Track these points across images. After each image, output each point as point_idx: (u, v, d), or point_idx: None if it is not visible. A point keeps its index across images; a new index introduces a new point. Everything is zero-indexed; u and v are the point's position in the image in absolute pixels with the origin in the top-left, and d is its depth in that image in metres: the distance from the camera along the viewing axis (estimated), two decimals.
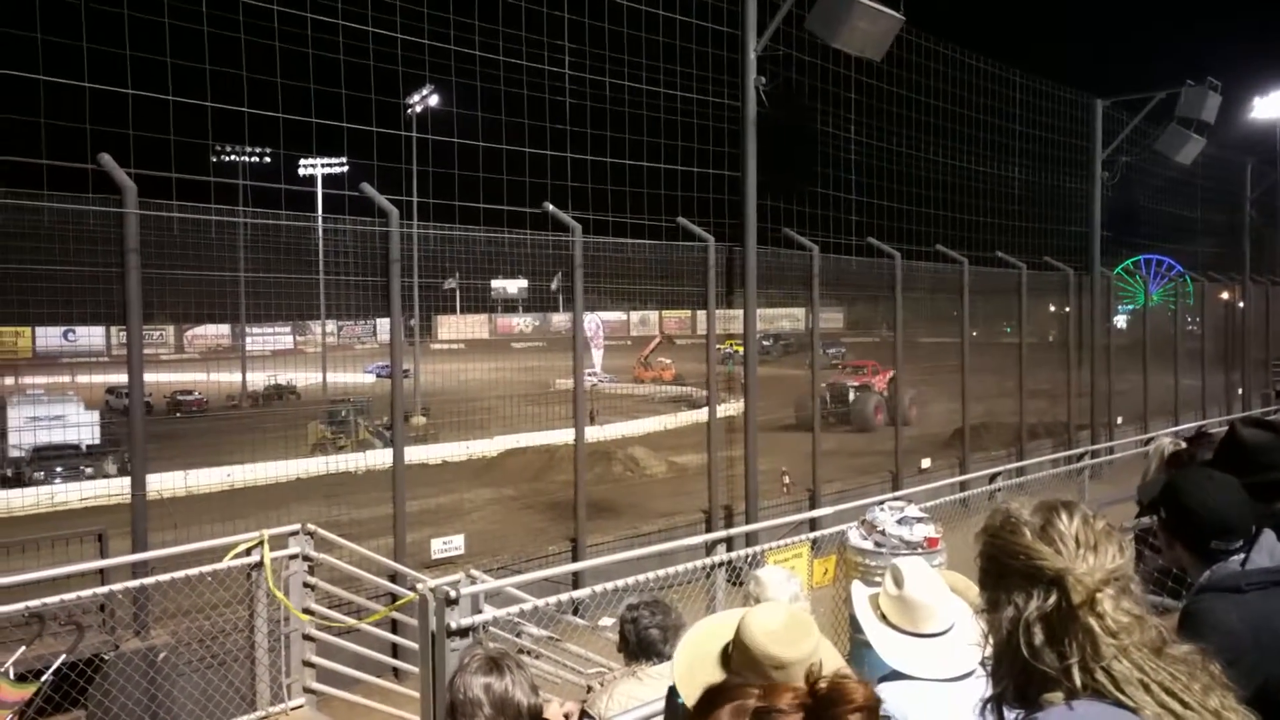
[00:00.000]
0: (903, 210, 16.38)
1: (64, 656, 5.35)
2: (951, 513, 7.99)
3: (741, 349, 14.88)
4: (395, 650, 7.73)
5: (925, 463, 15.59)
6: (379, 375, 28.65)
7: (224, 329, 40.65)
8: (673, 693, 2.31)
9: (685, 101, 13.50)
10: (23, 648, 5.21)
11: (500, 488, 18.09)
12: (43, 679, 5.01)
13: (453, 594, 4.89)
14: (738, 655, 2.15)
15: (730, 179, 13.16)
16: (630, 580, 5.55)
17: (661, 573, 5.45)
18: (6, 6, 9.39)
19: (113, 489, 19.09)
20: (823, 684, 1.38)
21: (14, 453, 22.25)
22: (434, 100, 22.73)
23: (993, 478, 11.88)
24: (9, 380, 33.71)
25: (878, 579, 2.92)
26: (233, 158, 33.34)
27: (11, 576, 6.66)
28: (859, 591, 2.76)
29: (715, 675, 2.15)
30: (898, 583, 2.61)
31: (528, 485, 18.09)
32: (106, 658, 7.28)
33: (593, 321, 29.97)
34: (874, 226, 15.45)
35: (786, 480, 14.40)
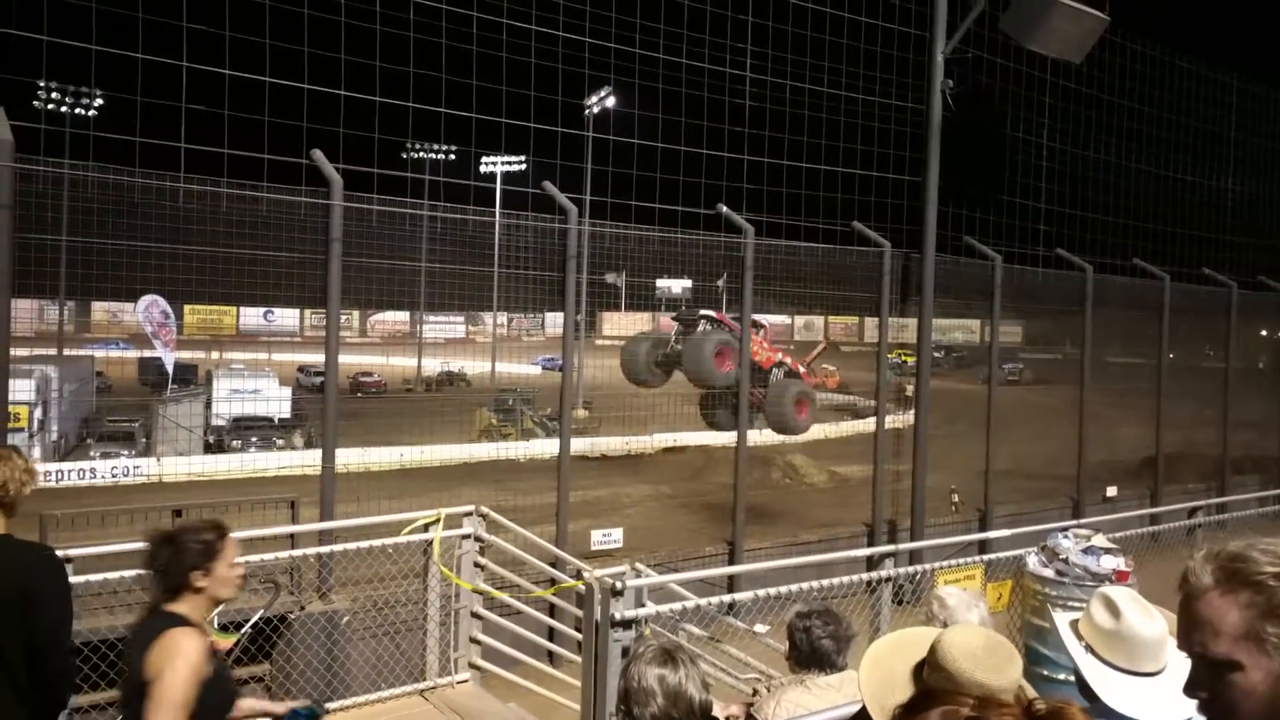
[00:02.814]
0: (1096, 221, 15.40)
1: (261, 612, 5.78)
2: (1141, 547, 7.45)
3: (912, 359, 14.42)
4: (551, 634, 7.93)
5: (1110, 491, 14.63)
6: (545, 368, 29.54)
7: (404, 316, 43.07)
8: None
9: (866, 104, 13.20)
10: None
11: (657, 485, 18.27)
12: (242, 630, 5.43)
13: (618, 585, 4.96)
14: (933, 676, 2.07)
15: (909, 184, 12.77)
16: (794, 588, 5.47)
17: (825, 583, 5.34)
18: (240, 14, 10.22)
19: (302, 460, 20.55)
20: (1040, 705, 1.31)
21: (216, 421, 24.28)
22: (611, 101, 23.18)
23: (1191, 512, 10.98)
24: (215, 355, 36.86)
25: (1074, 607, 2.75)
26: (419, 154, 35.21)
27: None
28: (1062, 621, 2.59)
29: (907, 694, 2.07)
30: (1113, 614, 2.42)
31: (684, 484, 18.18)
32: (292, 617, 7.81)
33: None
34: (1063, 237, 14.61)
35: (956, 499, 13.85)
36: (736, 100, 12.57)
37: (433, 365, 34.58)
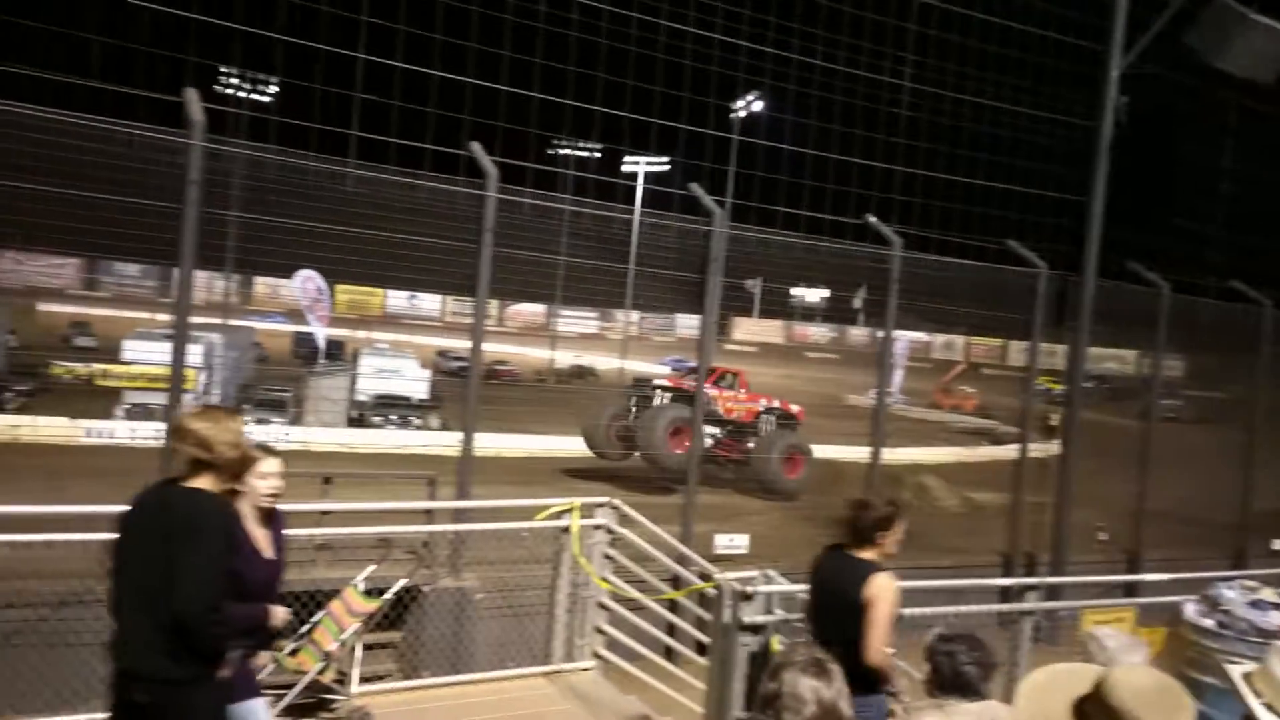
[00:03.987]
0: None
1: (403, 581, 6.03)
2: None
3: (1059, 386, 13.75)
4: (671, 630, 7.96)
5: (1278, 543, 13.58)
6: (675, 368, 29.68)
7: (539, 308, 44.12)
8: None
9: (1029, 119, 12.71)
10: (372, 566, 5.94)
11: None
12: (384, 596, 5.68)
13: (748, 590, 4.95)
14: (1097, 713, 1.99)
15: (1070, 203, 12.21)
16: (927, 610, 5.33)
17: (964, 609, 5.17)
18: (414, 8, 10.69)
19: (436, 440, 21.31)
20: None
21: (360, 397, 25.43)
22: (759, 105, 23.06)
23: None
24: (361, 334, 38.65)
25: (1234, 663, 2.58)
26: (566, 150, 36.01)
27: (363, 504, 7.66)
28: (1235, 673, 2.44)
29: None
30: None
31: (809, 497, 17.92)
32: (425, 590, 8.11)
33: (901, 341, 28.58)
34: (1241, 269, 13.66)
35: (1102, 536, 13.14)
36: (892, 109, 12.32)
37: (565, 358, 35.22)
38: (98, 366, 26.80)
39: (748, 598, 4.87)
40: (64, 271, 51.76)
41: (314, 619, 5.60)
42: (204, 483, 3.44)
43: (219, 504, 3.46)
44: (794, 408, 20.39)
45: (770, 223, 11.68)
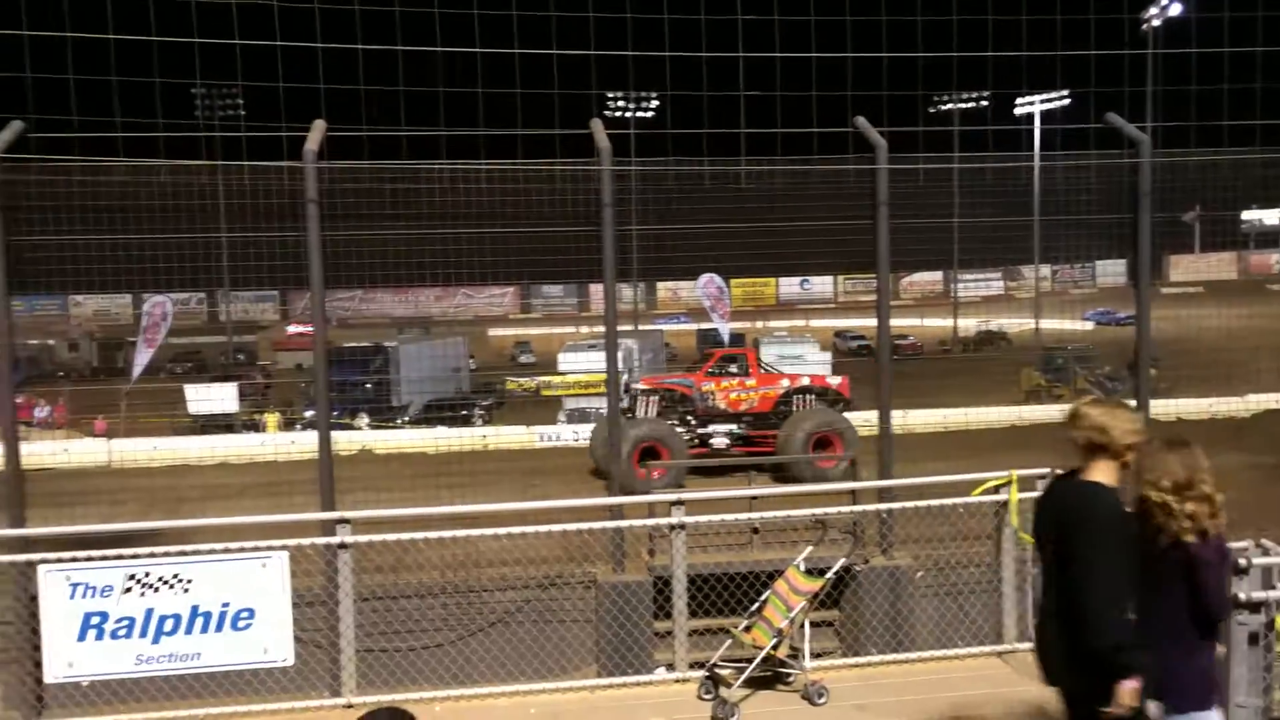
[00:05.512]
0: None
1: (842, 560, 6.12)
2: None
3: None
4: None
5: None
6: (1100, 322, 26.87)
7: (936, 276, 42.38)
8: None
9: None
10: (810, 547, 6.11)
11: (1256, 454, 15.55)
12: (826, 576, 5.80)
13: (1242, 563, 4.34)
14: None
15: None
16: None
17: None
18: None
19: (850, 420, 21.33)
20: None
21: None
22: (1176, 9, 20.11)
23: None
24: (758, 324, 39.94)
25: None
26: (949, 106, 34.18)
27: (790, 488, 7.90)
28: None
29: None
30: None
31: None
32: (858, 569, 8.15)
33: None
34: None
35: None
36: None
37: (970, 325, 33.46)
38: (540, 379, 30.63)
39: (1243, 571, 4.26)
40: (504, 300, 59.91)
41: (761, 598, 5.88)
42: (1101, 472, 3.40)
43: (1110, 498, 3.37)
44: (833, 381, 17.18)
45: (1213, 142, 10.04)
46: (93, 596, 5.32)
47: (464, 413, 25.82)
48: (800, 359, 26.87)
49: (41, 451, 19.32)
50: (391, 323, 43.19)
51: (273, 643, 5.48)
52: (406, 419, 25.59)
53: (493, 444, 22.80)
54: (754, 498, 8.21)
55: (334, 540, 5.69)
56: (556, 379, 28.14)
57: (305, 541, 5.77)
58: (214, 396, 24.64)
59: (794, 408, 16.30)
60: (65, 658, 5.32)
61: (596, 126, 8.62)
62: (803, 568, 5.91)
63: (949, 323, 34.76)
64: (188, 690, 5.71)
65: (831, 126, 10.26)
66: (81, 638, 5.30)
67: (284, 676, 5.58)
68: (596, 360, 24.12)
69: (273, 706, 5.51)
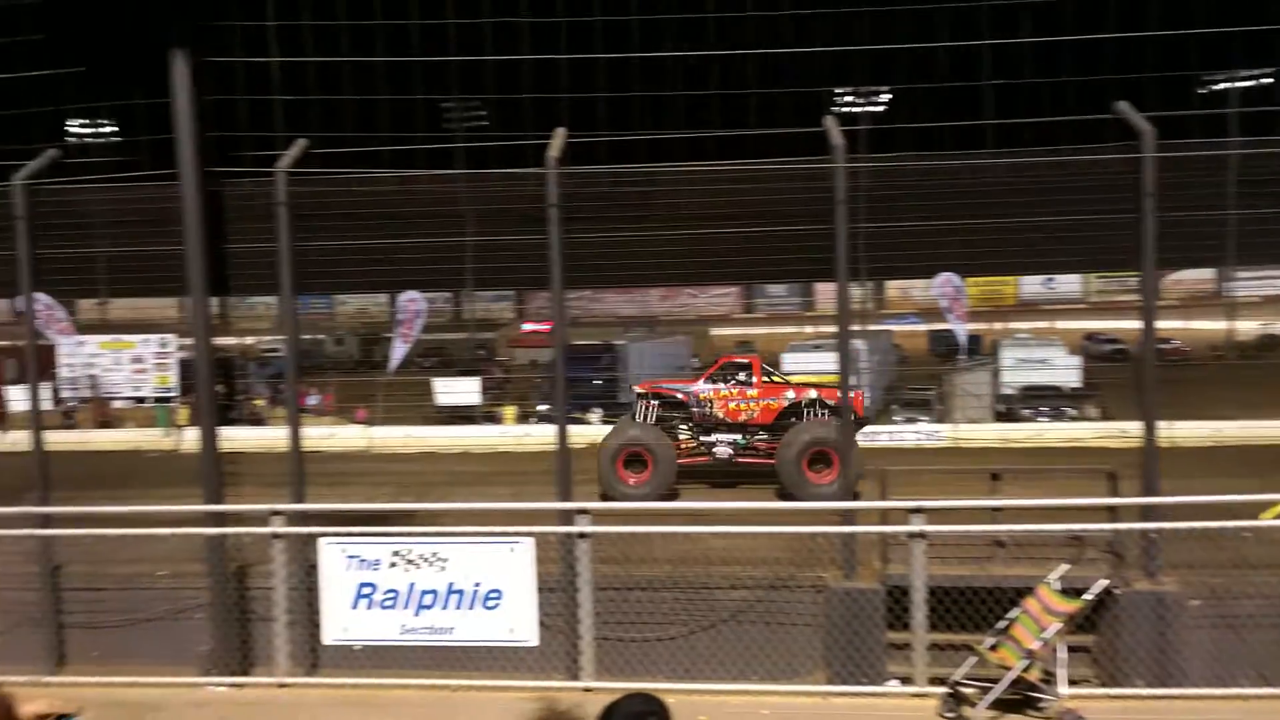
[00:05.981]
0: None
1: (1103, 582, 5.65)
2: None
3: None
4: None
5: None
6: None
7: (1205, 274, 38.25)
8: None
9: None
10: (1065, 565, 5.68)
11: None
12: (1085, 597, 5.37)
13: None
14: None
15: None
16: None
17: None
18: None
19: (1095, 431, 19.79)
20: None
21: (1005, 390, 24.80)
22: None
23: None
24: (996, 325, 37.69)
25: None
26: (1222, 86, 30.73)
27: (1039, 500, 7.38)
28: None
29: None
30: None
31: None
32: (1117, 592, 7.48)
33: None
34: None
35: None
36: None
37: (1248, 328, 30.00)
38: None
39: None
40: (727, 300, 60.19)
41: (1009, 615, 5.54)
42: None
43: None
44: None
45: None
46: (364, 568, 5.83)
47: None
48: (1045, 363, 25.13)
49: (313, 435, 21.47)
50: (618, 321, 44.53)
51: (518, 623, 5.78)
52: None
53: None
54: (997, 508, 7.74)
55: (574, 530, 5.92)
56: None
57: (549, 530, 6.03)
58: (458, 389, 26.36)
59: (805, 419, 15.79)
60: (341, 622, 5.87)
61: (830, 124, 8.49)
62: (1057, 586, 5.51)
63: (1220, 325, 31.30)
64: (432, 662, 6.11)
65: (1086, 114, 9.50)
66: (354, 605, 5.82)
67: (522, 657, 5.87)
68: (820, 361, 23.69)
69: (517, 683, 5.80)
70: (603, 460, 14.44)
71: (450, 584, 5.76)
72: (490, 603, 5.76)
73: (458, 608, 5.77)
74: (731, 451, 15.93)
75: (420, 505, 12.00)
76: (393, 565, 5.78)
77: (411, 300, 24.37)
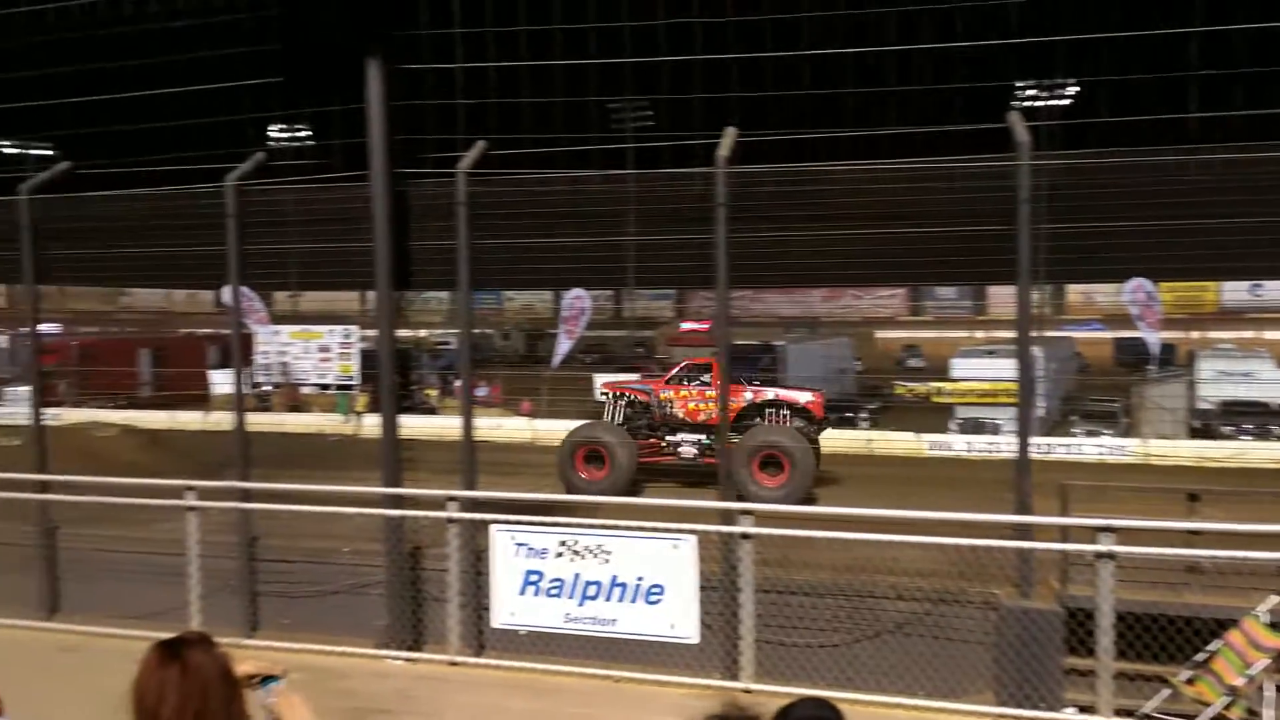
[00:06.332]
0: None
1: None
2: None
3: None
4: None
5: None
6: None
7: None
8: None
9: None
10: (1277, 597, 5.19)
11: None
12: None
13: None
14: None
15: None
16: None
17: None
18: None
19: None
20: None
21: (1202, 405, 22.91)
22: None
23: None
24: (1195, 334, 34.89)
25: None
26: None
27: (1244, 525, 6.75)
28: None
29: None
30: None
31: None
32: None
33: None
34: None
35: None
36: None
37: None
38: (932, 384, 29.39)
39: None
40: (892, 302, 58.41)
41: (1209, 648, 5.11)
42: None
43: None
44: (802, 398, 15.78)
45: None
46: (531, 556, 6.00)
47: (848, 414, 25.52)
48: (1250, 376, 23.03)
49: (481, 426, 22.32)
50: (779, 321, 44.03)
51: (680, 619, 5.80)
52: None
53: (878, 448, 22.30)
54: (1195, 531, 7.14)
55: (737, 530, 5.88)
56: (949, 385, 26.83)
57: (712, 528, 6.02)
58: None
59: (768, 422, 15.78)
60: (509, 607, 6.06)
61: (1015, 119, 8.08)
62: (1266, 619, 5.03)
63: None
64: (594, 652, 6.21)
65: None
66: (522, 591, 6.00)
67: (681, 653, 5.88)
68: (994, 367, 22.60)
69: (678, 679, 5.82)
70: (562, 455, 15.14)
71: (614, 576, 5.85)
72: (652, 598, 5.81)
73: (620, 600, 5.85)
74: (696, 451, 16.32)
75: (583, 498, 12.28)
76: (559, 555, 5.92)
77: (578, 298, 24.93)
